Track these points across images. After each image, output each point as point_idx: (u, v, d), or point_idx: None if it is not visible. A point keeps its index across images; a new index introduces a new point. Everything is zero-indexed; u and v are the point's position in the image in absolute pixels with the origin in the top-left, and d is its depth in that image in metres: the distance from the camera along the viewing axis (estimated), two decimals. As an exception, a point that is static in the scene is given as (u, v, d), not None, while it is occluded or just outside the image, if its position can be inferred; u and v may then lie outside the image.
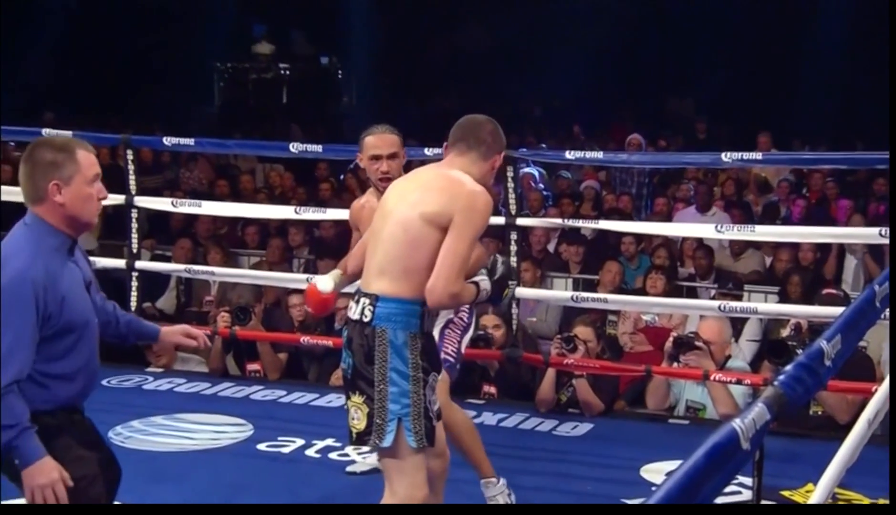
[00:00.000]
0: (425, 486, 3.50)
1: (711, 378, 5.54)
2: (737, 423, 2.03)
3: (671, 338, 5.84)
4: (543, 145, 13.31)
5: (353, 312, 3.49)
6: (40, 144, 3.27)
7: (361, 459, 5.02)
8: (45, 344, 3.13)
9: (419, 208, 3.44)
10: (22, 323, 3.06)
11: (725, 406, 5.62)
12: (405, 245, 3.44)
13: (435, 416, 3.50)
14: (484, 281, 3.62)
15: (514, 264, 5.61)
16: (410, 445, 3.41)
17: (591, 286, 7.70)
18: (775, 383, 2.36)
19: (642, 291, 7.29)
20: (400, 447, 3.42)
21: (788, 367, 2.47)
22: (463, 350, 4.50)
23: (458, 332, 4.44)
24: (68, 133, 6.56)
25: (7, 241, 3.21)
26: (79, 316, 3.21)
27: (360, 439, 3.48)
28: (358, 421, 3.45)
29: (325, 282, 4.09)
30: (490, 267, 3.68)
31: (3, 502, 4.28)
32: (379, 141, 4.46)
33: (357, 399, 3.45)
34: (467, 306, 4.31)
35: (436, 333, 4.14)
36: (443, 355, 4.25)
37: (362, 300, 3.47)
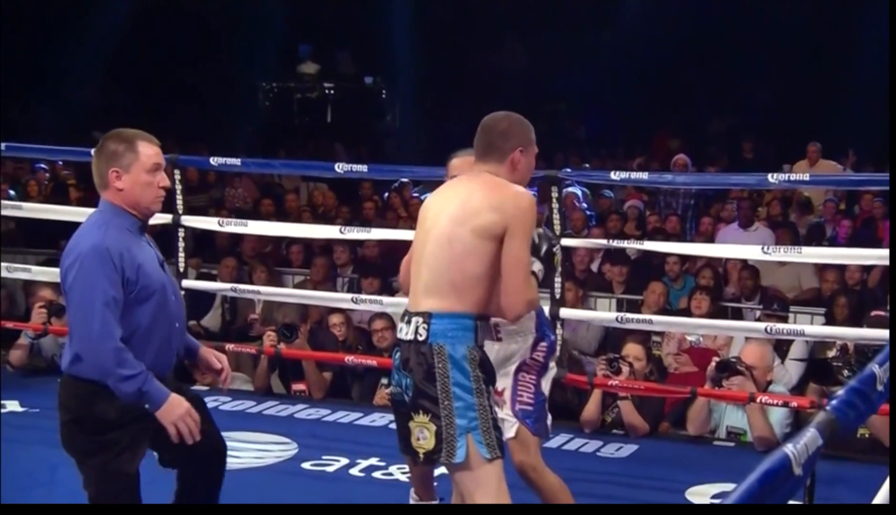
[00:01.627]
0: (508, 495, 3.46)
1: (757, 399, 5.50)
2: (789, 449, 2.02)
3: (713, 362, 5.80)
4: (587, 165, 13.28)
5: (405, 333, 3.46)
6: (108, 136, 3.57)
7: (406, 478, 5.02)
8: (127, 309, 3.39)
9: (467, 222, 3.42)
10: (107, 287, 3.34)
11: (762, 432, 5.59)
12: (451, 260, 3.42)
13: (500, 424, 3.49)
14: (535, 264, 3.60)
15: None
16: (484, 456, 3.37)
17: (635, 306, 7.67)
18: (827, 408, 2.34)
19: (686, 312, 7.25)
20: (473, 460, 3.38)
21: (840, 391, 2.46)
22: (546, 392, 4.21)
23: (534, 375, 4.14)
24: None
25: (81, 226, 3.53)
26: (156, 283, 3.46)
27: (429, 458, 3.45)
28: (425, 441, 3.41)
29: None
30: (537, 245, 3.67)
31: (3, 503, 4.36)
32: (462, 163, 4.28)
33: (422, 418, 3.40)
34: (545, 344, 4.16)
35: (509, 380, 4.05)
36: (518, 407, 4.08)
37: (414, 319, 3.44)
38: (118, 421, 3.39)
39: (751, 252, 6.88)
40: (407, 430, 3.47)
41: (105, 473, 3.42)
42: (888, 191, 10.25)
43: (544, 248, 3.69)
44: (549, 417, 4.13)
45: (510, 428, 4.03)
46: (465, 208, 3.46)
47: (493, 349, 3.91)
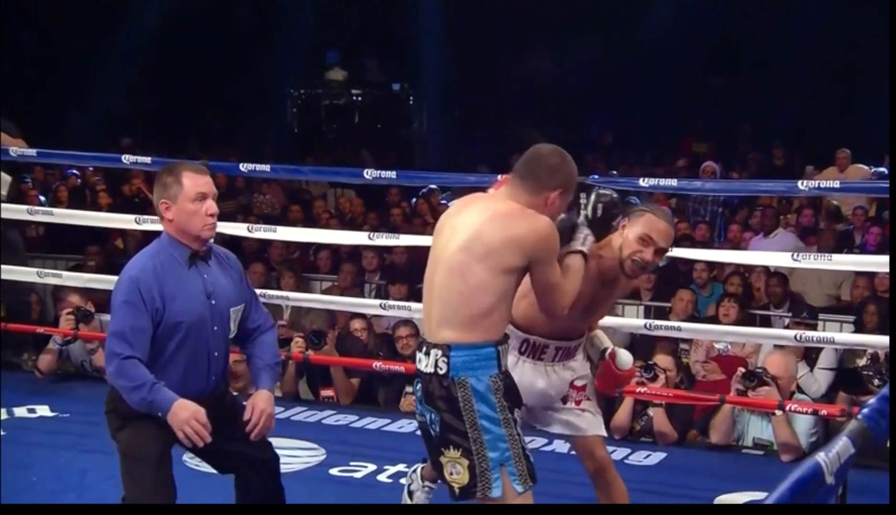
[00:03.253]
0: None
1: (787, 407, 5.47)
2: (821, 457, 2.01)
3: (739, 372, 5.76)
4: (614, 172, 13.23)
5: (425, 365, 3.37)
6: (160, 170, 3.75)
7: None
8: (155, 336, 3.54)
9: (485, 260, 3.29)
10: (130, 314, 3.50)
11: (788, 441, 5.56)
12: (464, 294, 3.32)
13: (529, 450, 3.42)
14: (584, 238, 3.56)
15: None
16: (517, 491, 3.32)
17: (663, 313, 7.64)
18: (858, 417, 2.33)
19: (715, 319, 7.21)
20: (507, 494, 3.32)
21: (872, 400, 2.44)
22: None
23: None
24: (147, 159, 6.71)
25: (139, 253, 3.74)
26: (186, 315, 3.58)
27: (466, 492, 3.36)
28: (459, 476, 3.34)
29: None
30: (579, 212, 3.59)
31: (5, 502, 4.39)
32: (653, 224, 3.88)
33: (453, 453, 3.33)
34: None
35: (587, 374, 4.05)
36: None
37: (433, 351, 3.35)
38: (140, 415, 3.57)
39: (780, 259, 6.86)
40: (438, 462, 3.41)
41: (129, 448, 3.61)
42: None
43: (598, 211, 3.62)
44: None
45: (601, 425, 4.07)
46: (480, 241, 3.32)
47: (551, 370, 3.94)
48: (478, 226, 3.35)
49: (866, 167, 11.84)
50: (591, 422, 4.05)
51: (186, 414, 3.44)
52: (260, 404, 3.71)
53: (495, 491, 3.30)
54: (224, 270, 3.76)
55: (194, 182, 3.63)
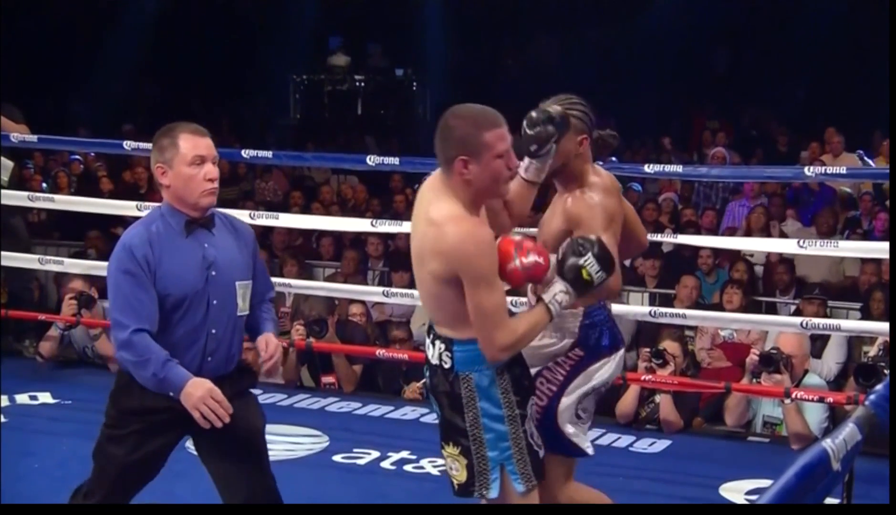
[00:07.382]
0: None
1: (793, 395, 5.43)
2: (827, 443, 1.98)
3: (755, 355, 5.70)
4: (613, 158, 13.15)
5: (431, 355, 3.25)
6: (158, 132, 3.45)
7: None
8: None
9: (423, 265, 3.13)
10: (130, 282, 3.27)
11: (799, 429, 5.53)
12: (432, 299, 3.19)
13: (538, 445, 3.26)
14: (556, 285, 3.17)
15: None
16: (518, 491, 3.19)
17: (668, 300, 7.61)
18: (866, 403, 2.30)
19: (719, 306, 7.18)
20: (508, 494, 3.20)
21: (879, 387, 2.41)
22: (562, 421, 3.49)
23: (553, 388, 3.47)
24: (148, 146, 6.67)
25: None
26: (178, 289, 3.32)
27: (464, 490, 3.25)
28: (458, 473, 3.23)
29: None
30: (560, 260, 3.19)
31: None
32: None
33: (452, 450, 3.21)
34: (580, 353, 3.47)
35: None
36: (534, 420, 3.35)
37: (437, 344, 3.21)
38: (132, 411, 3.36)
39: (786, 245, 6.82)
40: (442, 454, 3.30)
41: (100, 447, 3.45)
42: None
43: (569, 262, 3.17)
44: (542, 452, 3.32)
45: None
46: (419, 247, 3.15)
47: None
48: (422, 225, 3.15)
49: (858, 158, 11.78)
50: None
51: (201, 392, 3.18)
52: (275, 340, 3.51)
53: (493, 492, 3.19)
54: (232, 239, 3.49)
55: (193, 144, 3.36)
